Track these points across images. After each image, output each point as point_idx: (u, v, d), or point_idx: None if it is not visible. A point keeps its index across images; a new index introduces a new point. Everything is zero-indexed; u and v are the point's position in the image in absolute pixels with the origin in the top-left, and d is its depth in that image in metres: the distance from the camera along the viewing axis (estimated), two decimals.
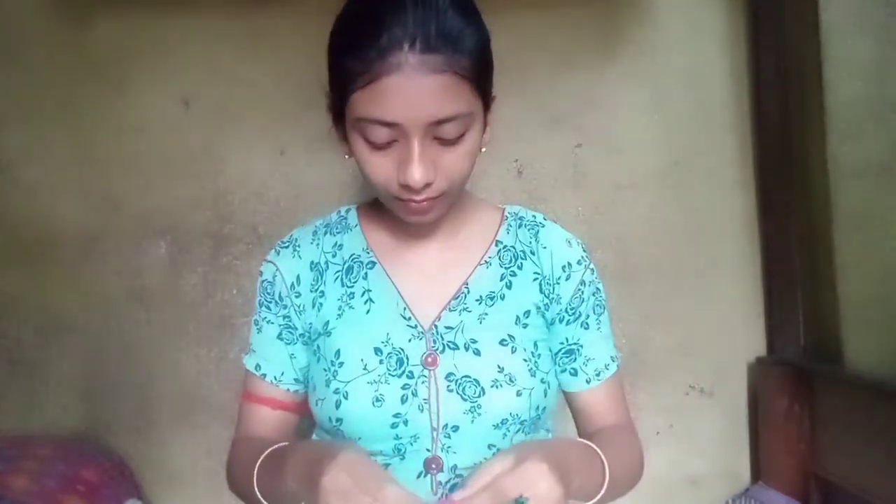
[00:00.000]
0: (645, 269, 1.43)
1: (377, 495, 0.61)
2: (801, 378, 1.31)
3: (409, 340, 0.81)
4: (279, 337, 0.86)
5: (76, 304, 1.42)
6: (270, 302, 0.87)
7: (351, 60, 0.69)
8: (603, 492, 0.73)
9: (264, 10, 1.41)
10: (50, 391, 1.43)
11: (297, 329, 0.86)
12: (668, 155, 1.44)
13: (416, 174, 0.70)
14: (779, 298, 1.40)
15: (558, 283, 0.84)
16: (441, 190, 0.74)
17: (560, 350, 0.86)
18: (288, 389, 0.87)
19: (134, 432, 1.42)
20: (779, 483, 1.32)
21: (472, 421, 0.78)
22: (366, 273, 0.85)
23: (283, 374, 0.87)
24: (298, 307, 0.86)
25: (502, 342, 0.81)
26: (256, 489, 0.76)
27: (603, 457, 0.74)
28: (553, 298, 0.84)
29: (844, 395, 1.23)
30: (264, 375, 0.87)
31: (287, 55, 1.39)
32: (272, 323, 0.86)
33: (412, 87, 0.67)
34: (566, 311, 0.85)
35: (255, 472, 0.76)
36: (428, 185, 0.72)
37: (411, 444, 0.79)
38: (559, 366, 0.86)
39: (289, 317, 0.86)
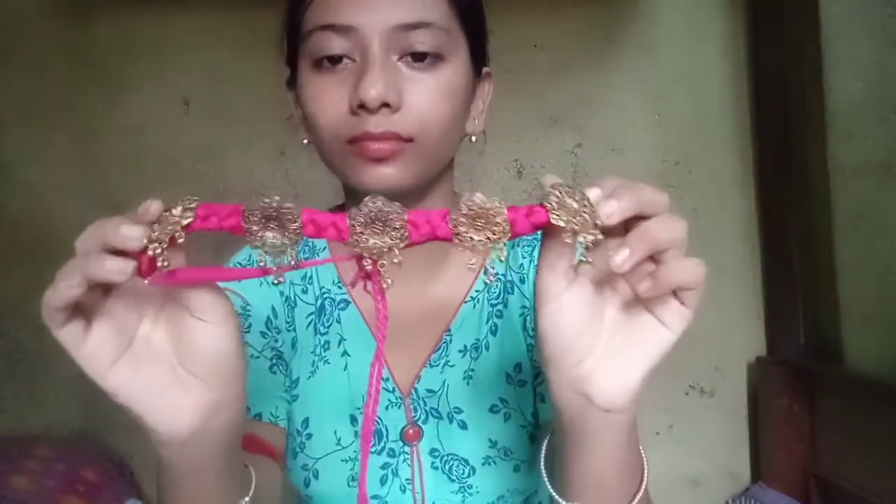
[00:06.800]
0: None
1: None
2: (801, 378, 1.31)
3: (387, 408, 0.67)
4: (272, 370, 0.68)
5: None
6: (248, 334, 0.67)
7: None
8: (643, 489, 0.49)
9: (264, 10, 1.40)
10: (50, 391, 1.43)
11: (286, 363, 0.70)
12: (668, 155, 1.44)
13: (372, 88, 0.54)
14: (779, 298, 1.40)
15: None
16: (408, 132, 0.57)
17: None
18: (285, 428, 0.69)
19: (134, 432, 1.40)
20: (779, 483, 1.32)
21: (463, 501, 0.67)
22: (338, 315, 0.69)
23: (277, 408, 0.68)
24: (283, 343, 0.70)
25: (493, 409, 0.67)
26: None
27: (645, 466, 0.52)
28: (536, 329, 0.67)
29: (844, 395, 1.23)
30: (259, 416, 0.66)
31: None
32: (257, 357, 0.68)
33: None
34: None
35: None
36: (389, 108, 0.56)
37: None
38: (533, 394, 0.70)
39: (278, 350, 0.69)
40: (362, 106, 0.56)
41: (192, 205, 0.41)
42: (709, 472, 1.43)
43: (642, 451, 0.50)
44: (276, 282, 0.42)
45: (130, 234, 0.39)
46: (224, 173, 1.44)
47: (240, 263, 0.71)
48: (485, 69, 0.67)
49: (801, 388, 1.30)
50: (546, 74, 1.43)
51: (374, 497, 0.67)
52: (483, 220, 0.39)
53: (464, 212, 0.39)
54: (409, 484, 0.67)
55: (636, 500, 0.48)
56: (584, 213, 0.39)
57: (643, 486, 0.48)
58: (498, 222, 0.39)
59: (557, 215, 0.39)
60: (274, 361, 0.68)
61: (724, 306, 1.43)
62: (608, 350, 0.43)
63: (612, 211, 0.39)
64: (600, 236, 0.39)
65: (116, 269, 0.38)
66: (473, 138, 0.66)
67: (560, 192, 0.39)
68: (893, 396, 1.09)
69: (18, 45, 1.43)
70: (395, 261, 0.40)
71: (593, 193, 0.40)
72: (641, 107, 1.44)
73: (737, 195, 1.44)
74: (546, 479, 0.52)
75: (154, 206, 0.40)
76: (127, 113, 1.43)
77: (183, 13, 1.42)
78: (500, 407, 0.67)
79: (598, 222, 0.39)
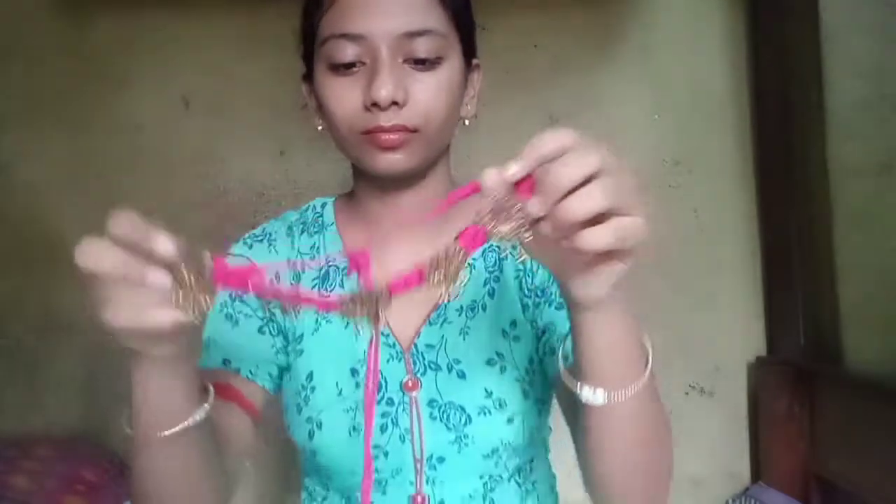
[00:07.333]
0: (645, 269, 1.43)
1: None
2: (801, 378, 1.31)
3: (388, 361, 0.73)
4: (260, 330, 0.75)
5: (76, 304, 1.41)
6: (246, 294, 0.75)
7: None
8: (645, 376, 0.55)
9: (264, 10, 1.41)
10: (50, 391, 1.43)
11: (279, 324, 0.77)
12: (668, 155, 1.44)
13: (384, 88, 0.64)
14: (779, 298, 1.40)
15: (535, 272, 0.76)
16: (414, 123, 0.67)
17: (536, 332, 0.75)
18: (263, 386, 0.74)
19: None
20: (779, 483, 1.32)
21: (459, 451, 0.71)
22: (342, 279, 0.76)
23: (258, 367, 0.73)
24: (279, 305, 0.76)
25: (489, 362, 0.73)
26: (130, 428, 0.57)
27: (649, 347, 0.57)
28: (532, 290, 0.76)
29: (844, 395, 1.23)
30: (237, 370, 0.72)
31: (287, 55, 1.39)
32: (251, 317, 0.75)
33: None
34: (537, 294, 0.75)
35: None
36: (397, 105, 0.66)
37: (393, 477, 0.73)
38: (538, 352, 0.75)
39: (270, 311, 0.76)
40: (375, 104, 0.65)
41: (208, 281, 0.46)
42: (709, 472, 1.43)
43: (648, 346, 0.57)
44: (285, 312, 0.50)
45: (159, 283, 0.46)
46: (224, 173, 1.44)
47: (248, 259, 0.78)
48: (474, 61, 0.76)
49: (801, 388, 1.30)
50: (546, 74, 1.43)
51: (375, 447, 0.71)
52: (447, 262, 0.48)
53: (434, 267, 0.49)
54: (408, 434, 0.72)
55: (641, 382, 0.55)
56: (517, 213, 0.46)
57: (647, 373, 0.55)
58: (459, 259, 0.48)
59: (493, 234, 0.47)
60: (264, 322, 0.75)
61: (724, 306, 1.44)
62: (579, 275, 0.50)
63: (536, 208, 0.45)
64: (529, 236, 0.46)
65: (205, 307, 0.47)
66: (467, 122, 0.76)
67: (491, 211, 0.46)
68: (893, 396, 1.09)
69: (18, 44, 1.43)
70: (383, 310, 0.50)
71: (512, 171, 0.45)
72: (641, 107, 1.44)
73: (737, 195, 1.44)
74: (562, 366, 0.59)
75: (169, 248, 0.45)
76: (126, 112, 1.43)
77: (183, 13, 1.42)
78: (496, 360, 0.73)
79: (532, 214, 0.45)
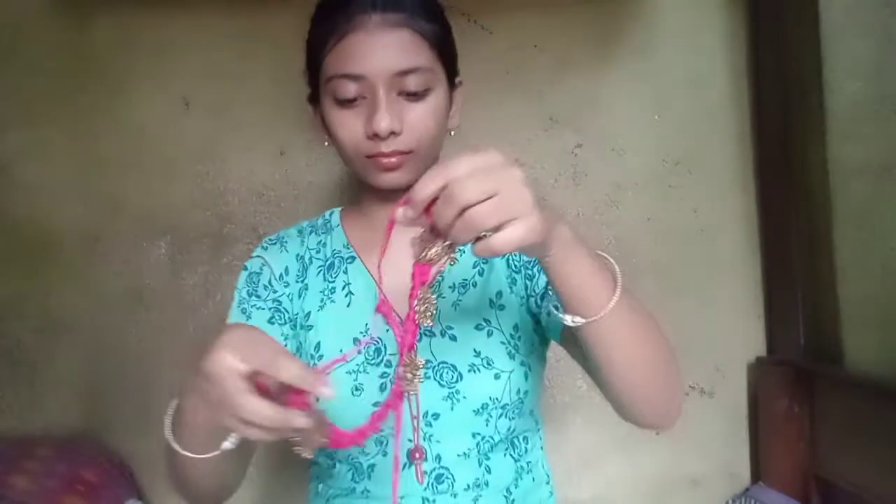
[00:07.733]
0: (645, 269, 1.43)
1: (274, 365, 0.56)
2: (801, 378, 1.31)
3: (387, 330, 0.83)
4: (270, 321, 0.86)
5: (76, 304, 1.42)
6: (258, 288, 0.88)
7: (323, 28, 0.80)
8: (615, 297, 0.64)
9: (264, 10, 1.41)
10: (50, 391, 1.43)
11: (287, 312, 0.88)
12: (668, 155, 1.44)
13: (383, 122, 0.76)
14: (779, 298, 1.40)
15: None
16: (409, 146, 0.79)
17: (535, 299, 0.84)
18: None
19: (134, 432, 1.42)
20: (779, 483, 1.32)
21: (452, 407, 0.80)
22: (346, 268, 0.89)
23: None
24: (288, 295, 0.89)
25: (478, 327, 0.83)
26: (171, 438, 0.70)
27: (615, 265, 0.67)
28: (521, 265, 0.86)
29: (844, 395, 1.23)
30: None
31: (287, 55, 1.38)
32: (262, 309, 0.86)
33: (375, 42, 0.77)
34: (527, 266, 0.86)
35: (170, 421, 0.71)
36: (394, 134, 0.77)
37: (393, 435, 0.79)
38: (543, 312, 0.83)
39: (279, 301, 0.87)
40: (376, 134, 0.77)
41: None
42: (709, 472, 1.43)
43: (616, 270, 0.67)
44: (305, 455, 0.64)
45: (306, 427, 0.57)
46: (224, 173, 1.44)
47: (253, 272, 0.90)
48: (457, 80, 0.87)
49: (801, 388, 1.30)
50: (546, 74, 1.43)
51: (375, 404, 0.78)
52: (422, 301, 0.64)
53: (419, 310, 0.64)
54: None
55: (614, 300, 0.64)
56: (436, 239, 0.58)
57: (617, 292, 0.65)
58: (428, 294, 0.63)
59: (430, 261, 0.59)
60: (273, 314, 0.86)
61: (724, 306, 1.44)
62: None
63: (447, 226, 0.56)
64: (453, 251, 0.59)
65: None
66: (452, 132, 0.88)
67: (419, 245, 0.59)
68: (893, 396, 1.09)
69: (18, 45, 1.43)
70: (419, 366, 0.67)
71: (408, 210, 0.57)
72: (641, 107, 1.44)
73: (737, 195, 1.44)
74: (553, 308, 0.68)
75: (333, 394, 0.56)
76: (127, 113, 1.43)
77: (183, 13, 1.42)
78: (484, 325, 0.83)
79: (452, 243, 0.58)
